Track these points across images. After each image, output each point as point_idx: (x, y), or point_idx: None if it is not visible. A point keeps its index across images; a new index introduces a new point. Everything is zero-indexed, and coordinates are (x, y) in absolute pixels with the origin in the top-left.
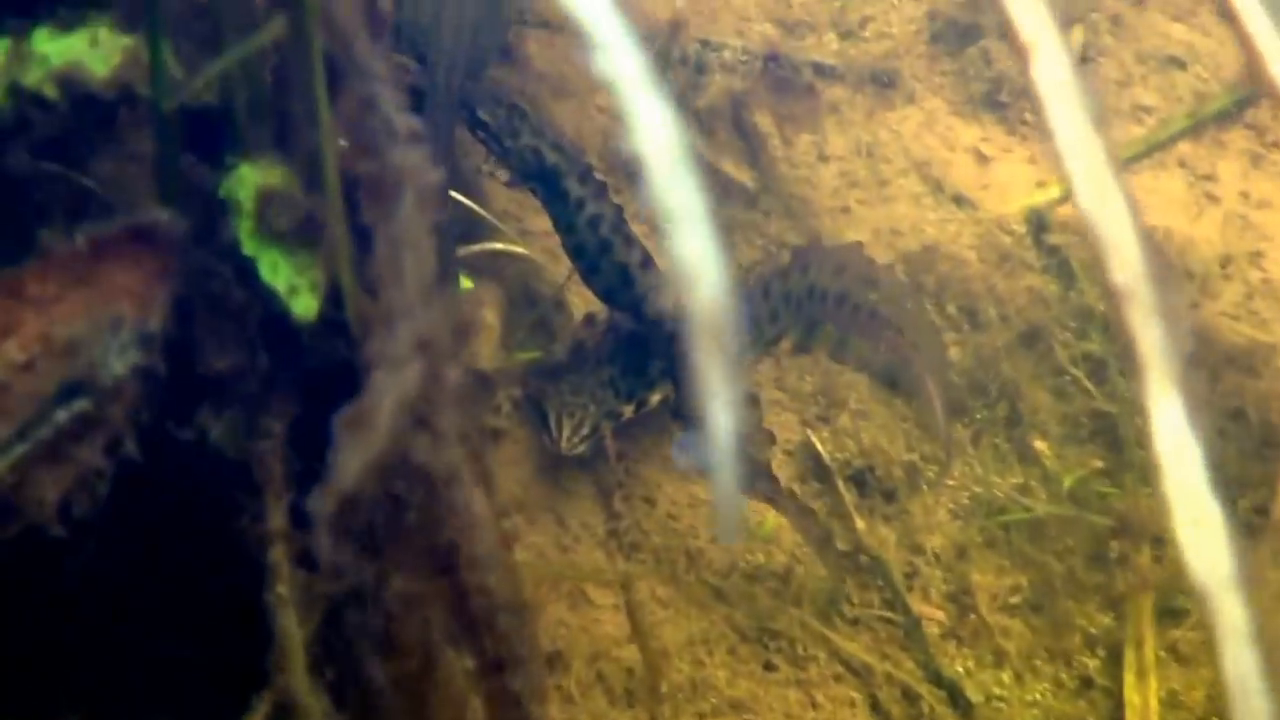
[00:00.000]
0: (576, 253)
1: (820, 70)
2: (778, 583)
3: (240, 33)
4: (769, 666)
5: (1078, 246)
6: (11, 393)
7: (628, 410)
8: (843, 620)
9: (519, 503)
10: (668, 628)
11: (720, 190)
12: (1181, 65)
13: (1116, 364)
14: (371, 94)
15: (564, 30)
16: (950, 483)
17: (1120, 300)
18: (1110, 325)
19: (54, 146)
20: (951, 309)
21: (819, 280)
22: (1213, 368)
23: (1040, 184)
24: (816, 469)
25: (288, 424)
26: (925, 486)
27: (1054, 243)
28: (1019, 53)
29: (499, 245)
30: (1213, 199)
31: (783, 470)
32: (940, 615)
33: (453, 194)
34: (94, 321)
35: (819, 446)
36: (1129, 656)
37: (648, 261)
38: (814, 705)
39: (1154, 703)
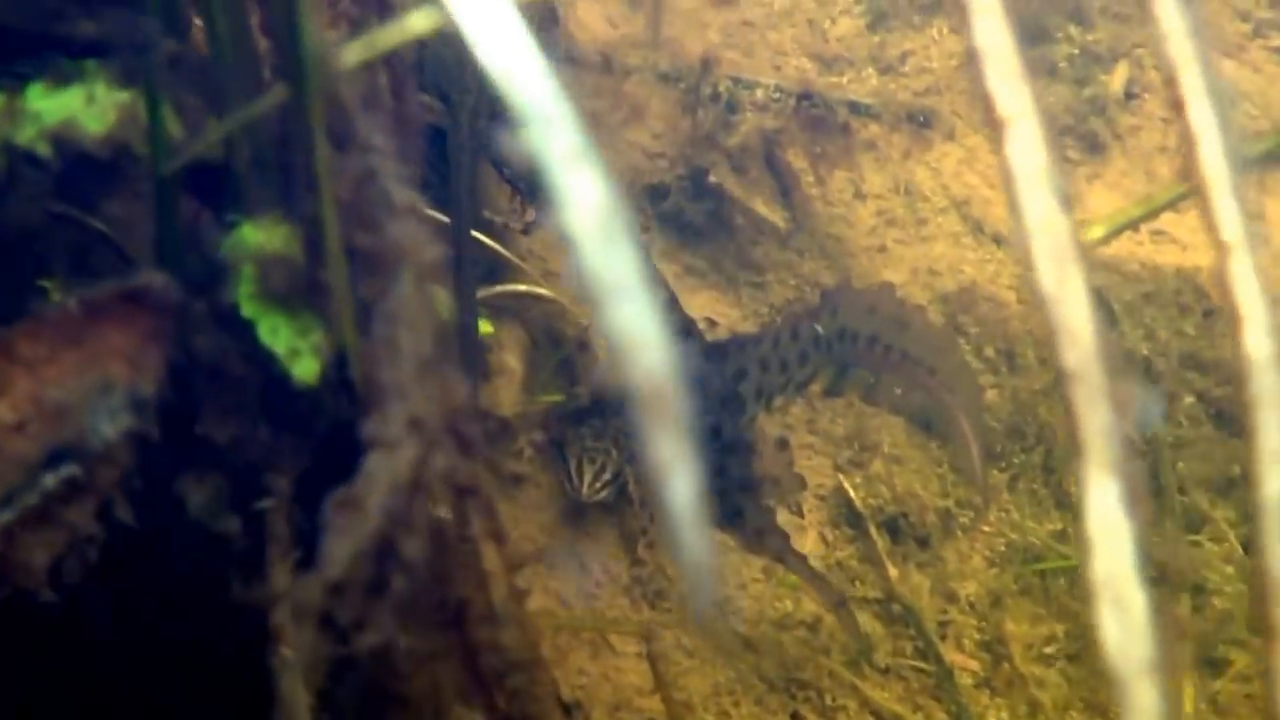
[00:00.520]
0: None
1: (855, 108)
2: (806, 631)
3: (244, 93)
4: (796, 717)
5: (1118, 288)
6: (2, 454)
7: None
8: (873, 669)
9: (541, 549)
10: (693, 677)
11: (752, 229)
12: (1231, 103)
13: (1158, 408)
14: (370, 167)
15: (593, 67)
16: (986, 529)
17: (1068, 381)
18: (1150, 372)
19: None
20: (989, 351)
21: (849, 322)
22: None
23: (1082, 223)
24: (849, 515)
25: (293, 482)
26: (960, 533)
27: (1095, 284)
28: (993, 126)
29: (522, 287)
30: (1262, 240)
31: (814, 515)
32: (974, 665)
33: (475, 235)
34: (85, 384)
35: (851, 492)
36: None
37: (672, 303)
38: None
39: None
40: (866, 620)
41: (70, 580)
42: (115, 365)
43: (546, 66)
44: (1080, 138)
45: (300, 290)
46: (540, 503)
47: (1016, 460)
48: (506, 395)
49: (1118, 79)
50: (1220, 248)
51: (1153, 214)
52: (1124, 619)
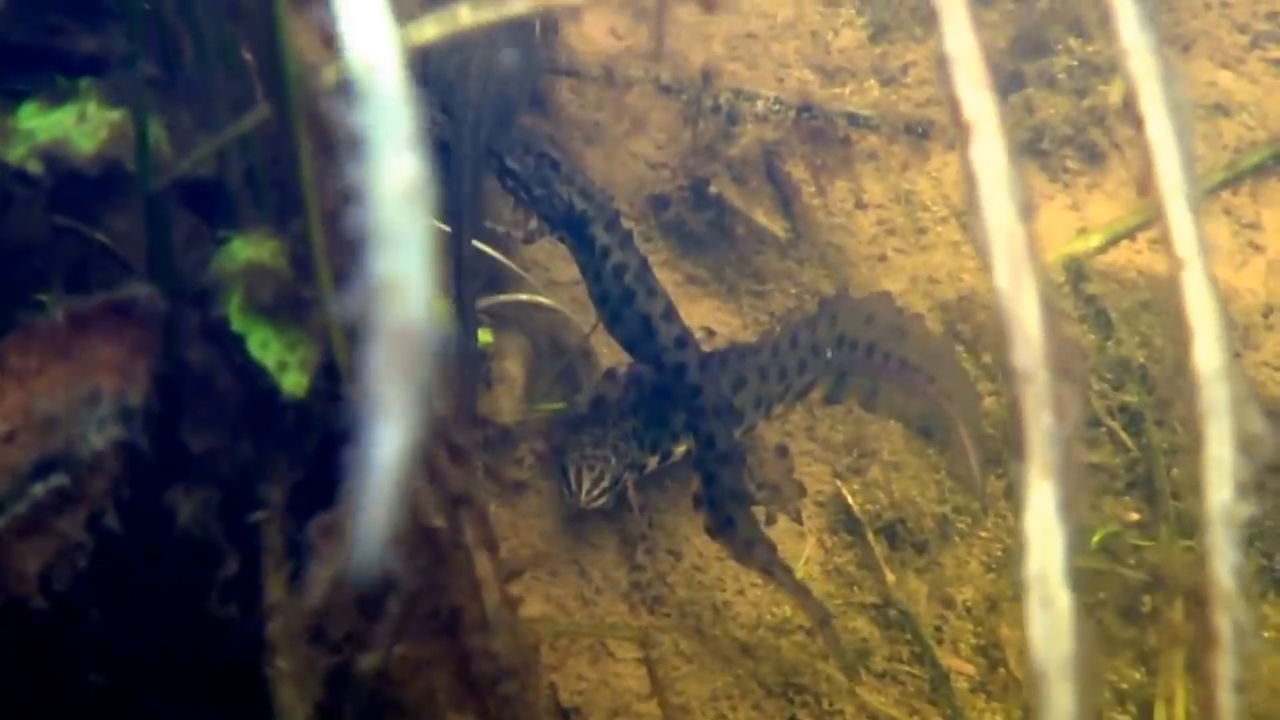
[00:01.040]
0: (601, 301)
1: (854, 120)
2: (804, 636)
3: (234, 112)
4: None
5: (1116, 296)
6: None
7: (652, 462)
8: (870, 674)
9: (541, 555)
10: (691, 682)
11: (753, 239)
12: (1227, 113)
13: (1153, 415)
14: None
15: (595, 79)
16: (983, 534)
17: (1017, 382)
18: (1146, 379)
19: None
20: (987, 358)
21: (848, 330)
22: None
23: (1080, 232)
24: (848, 521)
25: (286, 494)
26: (957, 539)
27: (1092, 292)
28: (959, 129)
29: (524, 296)
30: (1257, 248)
31: (813, 521)
32: (970, 669)
33: (477, 244)
34: (74, 395)
35: (849, 499)
36: (1159, 713)
37: (669, 313)
38: None
39: None
40: (864, 625)
41: (61, 587)
42: (104, 377)
43: (400, 60)
44: (1079, 148)
45: (289, 304)
46: (540, 509)
47: (1014, 468)
48: (507, 403)
49: (1116, 90)
50: (1173, 261)
51: (1150, 223)
52: (1050, 618)
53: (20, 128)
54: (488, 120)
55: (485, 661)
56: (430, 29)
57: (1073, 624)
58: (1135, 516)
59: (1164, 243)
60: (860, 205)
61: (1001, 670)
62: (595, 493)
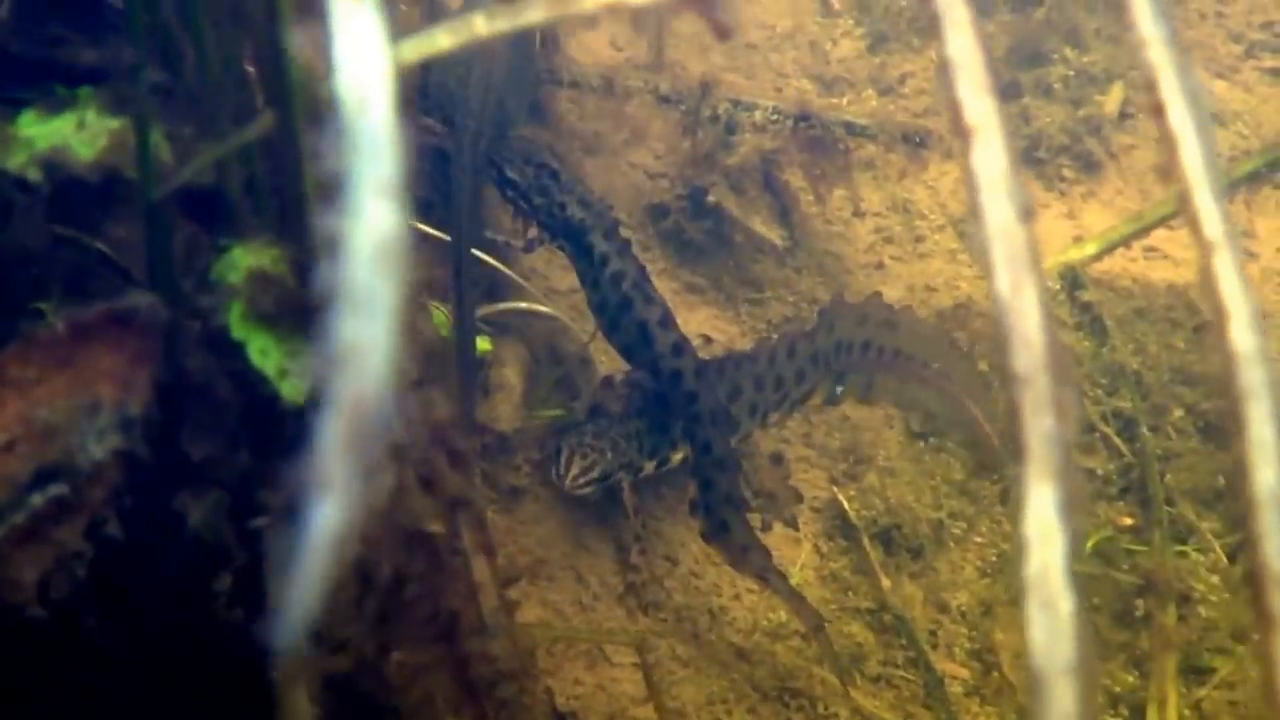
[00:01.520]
0: (599, 308)
1: (852, 129)
2: (800, 641)
3: (235, 121)
4: None
5: (1111, 304)
6: None
7: (648, 466)
8: (865, 678)
9: (539, 561)
10: (687, 687)
11: (751, 247)
12: (1222, 122)
13: (1147, 421)
14: None
15: (595, 89)
16: (978, 539)
17: (1017, 386)
18: (1140, 385)
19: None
20: (983, 366)
21: (843, 334)
22: None
23: (1076, 240)
24: (843, 526)
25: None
26: (952, 544)
27: (1087, 299)
28: (960, 134)
29: (523, 304)
30: (1251, 255)
31: (809, 527)
32: (964, 673)
33: (477, 253)
34: (74, 404)
35: (845, 504)
36: (1152, 716)
37: (666, 320)
38: None
39: None
40: (859, 630)
41: (59, 596)
42: (104, 386)
43: (393, 106)
44: (1075, 157)
45: (290, 312)
46: (538, 515)
47: (1009, 472)
48: (505, 410)
49: (1112, 100)
50: (1203, 246)
51: (1145, 231)
52: (1051, 620)
53: (20, 135)
54: (487, 130)
55: (483, 665)
56: (444, 39)
57: (1075, 628)
58: (1129, 521)
59: (1192, 228)
60: (858, 214)
61: (996, 674)
62: (582, 480)
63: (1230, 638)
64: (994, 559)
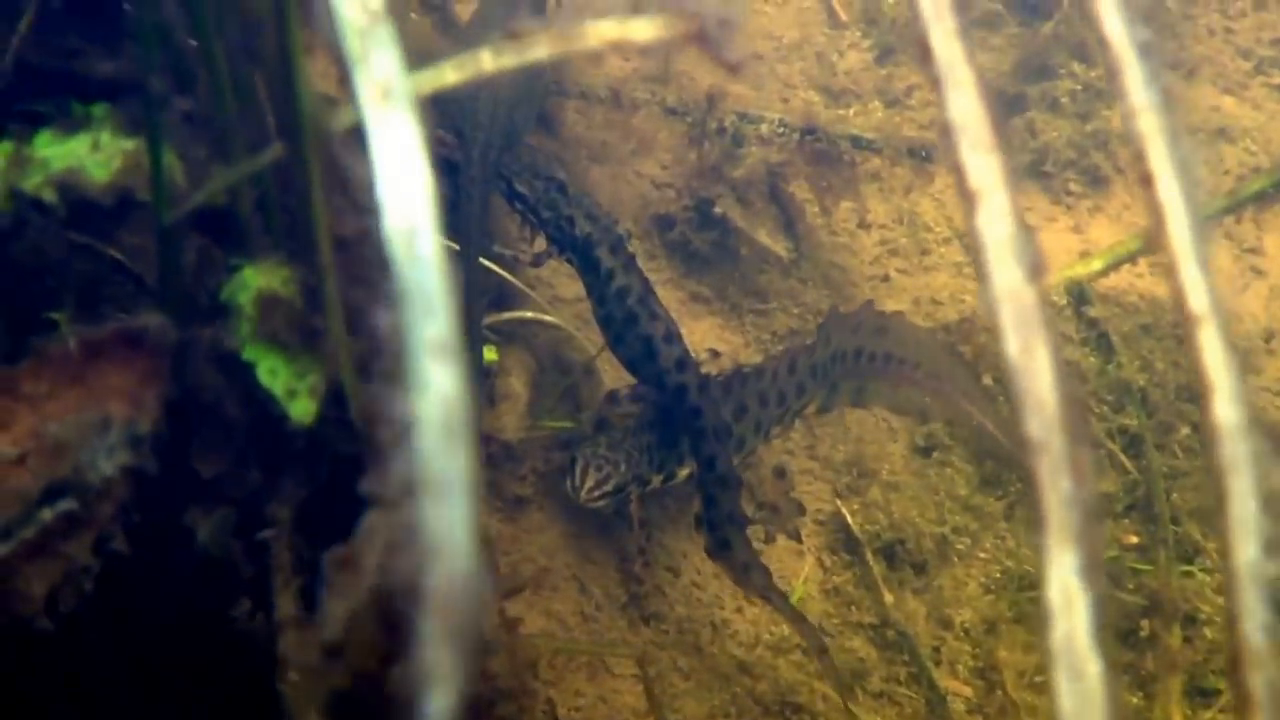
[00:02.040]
0: (605, 323)
1: (858, 143)
2: (802, 655)
3: (247, 143)
4: None
5: (1117, 320)
6: (3, 486)
7: (656, 480)
8: (867, 694)
9: (543, 571)
10: (689, 700)
11: (756, 259)
12: (1230, 139)
13: (1154, 438)
14: (366, 227)
15: (602, 100)
16: (981, 555)
17: (1032, 451)
18: (1147, 402)
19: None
20: (988, 380)
21: (840, 344)
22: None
23: (1083, 255)
24: (847, 540)
25: (295, 512)
26: (956, 559)
27: (1094, 315)
28: (965, 197)
29: (529, 313)
30: (1259, 273)
31: (812, 540)
32: (967, 691)
33: (484, 262)
34: (85, 421)
35: (849, 518)
36: None
37: (671, 336)
38: None
39: None
40: (861, 645)
41: (66, 609)
42: (114, 403)
43: (443, 258)
44: (1082, 171)
45: (299, 332)
46: (542, 524)
47: (1013, 489)
48: (511, 420)
49: (1120, 115)
50: (1189, 319)
51: (1152, 247)
52: (1079, 687)
53: (35, 156)
54: (496, 142)
55: (483, 683)
56: (451, 74)
57: (1104, 693)
58: (1134, 540)
59: (1179, 298)
60: (864, 226)
61: (999, 693)
62: (596, 493)
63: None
64: (998, 575)
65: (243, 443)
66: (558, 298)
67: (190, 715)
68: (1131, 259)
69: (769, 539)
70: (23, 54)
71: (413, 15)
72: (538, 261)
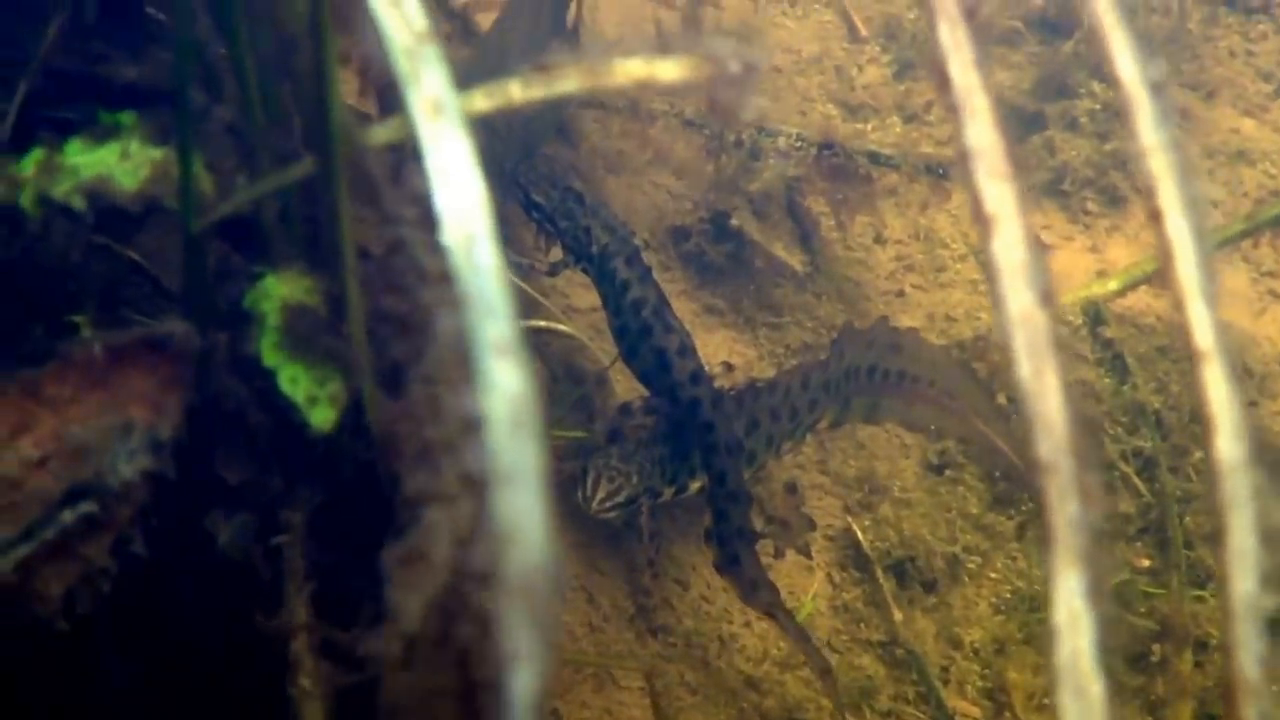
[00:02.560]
0: (620, 334)
1: (875, 158)
2: (809, 672)
3: (275, 153)
4: None
5: (1133, 341)
6: (24, 488)
7: (668, 492)
8: (874, 713)
9: None
10: (695, 714)
11: (772, 272)
12: (1249, 161)
13: (1167, 461)
14: (400, 237)
15: (620, 111)
16: (992, 575)
17: (1041, 473)
18: (1161, 425)
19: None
20: (1001, 399)
21: (853, 360)
22: (1269, 468)
23: (1100, 274)
24: (856, 557)
25: (308, 517)
26: (966, 578)
27: (1109, 336)
28: (980, 222)
29: (542, 322)
30: (1277, 296)
31: (822, 556)
32: (975, 711)
33: None
34: (106, 425)
35: (859, 535)
36: None
37: (685, 349)
38: None
39: None
40: (870, 663)
41: (83, 610)
42: (136, 408)
43: (500, 264)
44: (1100, 191)
45: (321, 340)
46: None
47: (1025, 509)
48: None
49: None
50: (1195, 355)
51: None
52: (1082, 705)
53: (66, 164)
54: (514, 150)
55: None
56: (480, 102)
57: (1106, 713)
58: (1146, 563)
59: (1185, 335)
60: (880, 241)
61: (1008, 714)
62: (608, 504)
63: None
64: (1009, 596)
65: (265, 450)
66: (571, 307)
67: (205, 718)
68: (1148, 280)
69: (779, 554)
70: (51, 60)
71: None
72: (553, 271)
